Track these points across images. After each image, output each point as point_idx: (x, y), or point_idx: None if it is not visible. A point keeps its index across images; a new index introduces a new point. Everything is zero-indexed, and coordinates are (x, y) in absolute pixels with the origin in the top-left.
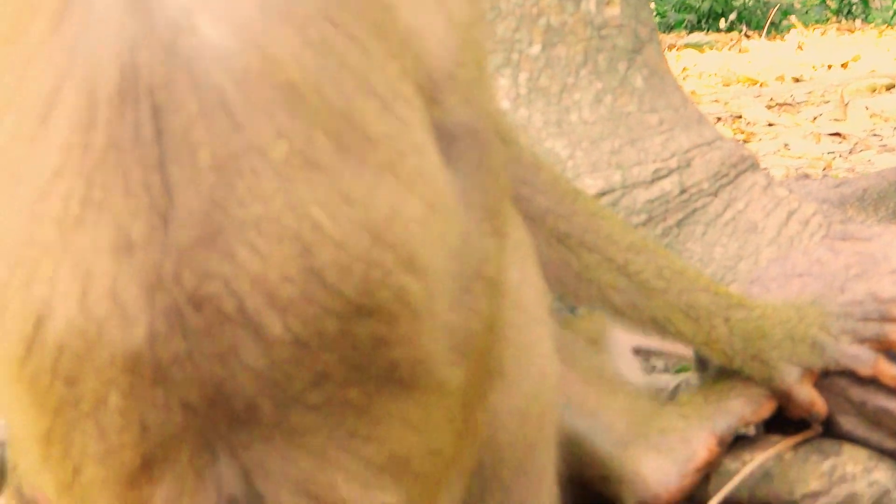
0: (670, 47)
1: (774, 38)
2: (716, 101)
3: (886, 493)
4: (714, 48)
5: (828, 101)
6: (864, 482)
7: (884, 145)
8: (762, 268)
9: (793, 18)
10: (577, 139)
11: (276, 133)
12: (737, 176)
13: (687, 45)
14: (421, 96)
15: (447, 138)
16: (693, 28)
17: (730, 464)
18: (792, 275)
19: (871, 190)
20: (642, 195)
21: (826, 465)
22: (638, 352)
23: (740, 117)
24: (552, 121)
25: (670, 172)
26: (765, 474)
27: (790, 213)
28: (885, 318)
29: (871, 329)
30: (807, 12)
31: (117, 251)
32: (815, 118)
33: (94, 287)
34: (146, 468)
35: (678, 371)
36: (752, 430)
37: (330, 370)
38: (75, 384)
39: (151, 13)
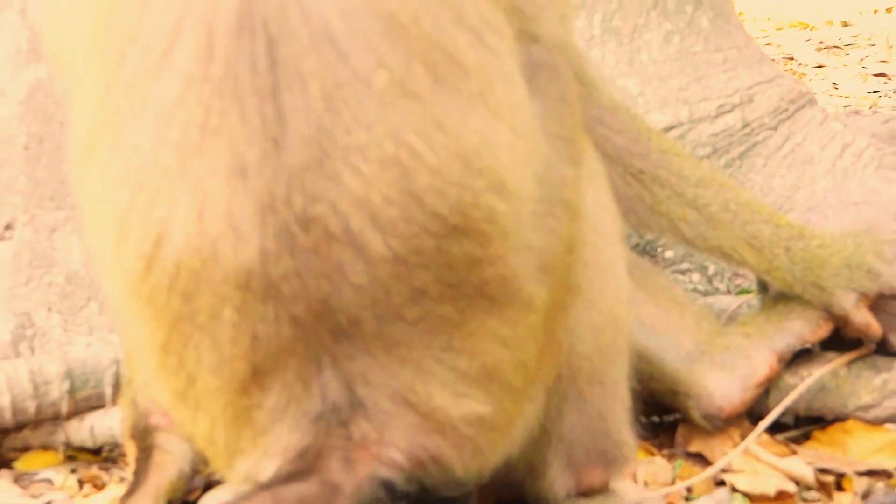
0: None
1: None
2: (769, 43)
3: None
4: None
5: (874, 45)
6: None
7: None
8: (819, 197)
9: None
10: (648, 77)
11: (378, 63)
12: (795, 111)
13: None
14: (510, 28)
15: (531, 70)
16: None
17: (788, 379)
18: (848, 203)
19: None
20: (707, 129)
21: (878, 380)
22: None
23: (792, 59)
24: (624, 60)
25: (733, 108)
26: (821, 388)
27: (845, 146)
28: None
29: None
30: None
31: (232, 175)
32: (861, 60)
33: (210, 209)
34: (256, 377)
35: (740, 293)
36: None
37: (426, 287)
38: (191, 299)
39: None
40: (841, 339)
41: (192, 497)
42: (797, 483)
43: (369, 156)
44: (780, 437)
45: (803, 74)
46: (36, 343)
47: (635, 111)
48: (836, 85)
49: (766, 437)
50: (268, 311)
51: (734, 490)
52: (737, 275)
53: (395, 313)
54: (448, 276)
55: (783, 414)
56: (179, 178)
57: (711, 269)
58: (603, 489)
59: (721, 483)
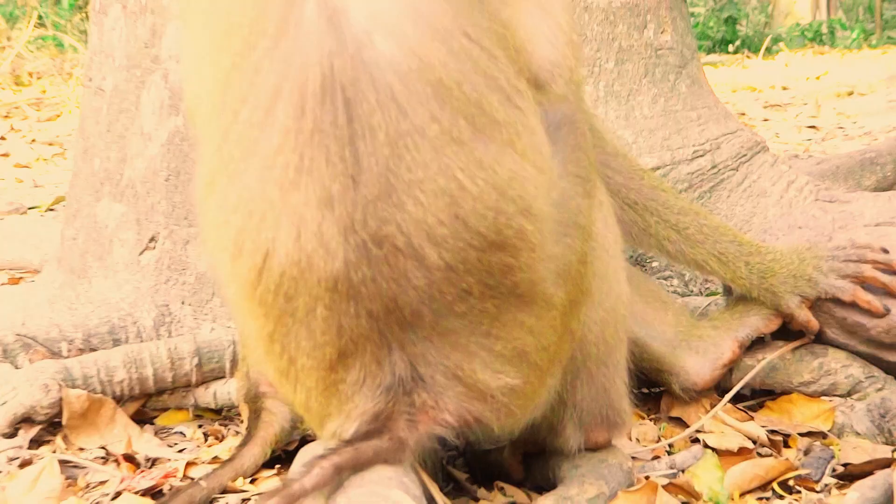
0: None
1: (768, 58)
2: (726, 102)
3: (859, 383)
4: (724, 65)
5: (806, 104)
6: (843, 375)
7: (847, 135)
8: (770, 222)
9: (781, 44)
10: (640, 129)
11: (431, 117)
12: (752, 156)
13: (705, 64)
14: (532, 91)
15: (553, 126)
16: (709, 51)
17: (747, 361)
18: (793, 227)
19: (842, 167)
20: (685, 169)
21: (815, 362)
22: None
23: (744, 114)
24: (622, 116)
25: (705, 153)
26: (772, 368)
27: (790, 183)
28: (861, 260)
29: (851, 268)
30: (791, 40)
31: (322, 204)
32: (797, 115)
33: (305, 230)
34: (341, 358)
35: (710, 295)
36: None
37: (471, 288)
38: (292, 300)
39: (342, 33)
40: (788, 331)
41: (291, 447)
42: (754, 441)
43: (426, 188)
44: (741, 405)
45: (753, 126)
46: (173, 328)
47: (631, 155)
48: (777, 134)
49: (730, 406)
50: (350, 308)
51: (706, 446)
52: (707, 281)
53: (447, 309)
54: (488, 279)
55: (743, 388)
56: (281, 207)
57: (688, 276)
58: (606, 445)
59: (696, 441)
